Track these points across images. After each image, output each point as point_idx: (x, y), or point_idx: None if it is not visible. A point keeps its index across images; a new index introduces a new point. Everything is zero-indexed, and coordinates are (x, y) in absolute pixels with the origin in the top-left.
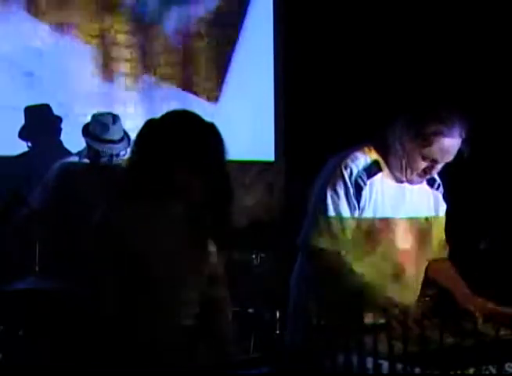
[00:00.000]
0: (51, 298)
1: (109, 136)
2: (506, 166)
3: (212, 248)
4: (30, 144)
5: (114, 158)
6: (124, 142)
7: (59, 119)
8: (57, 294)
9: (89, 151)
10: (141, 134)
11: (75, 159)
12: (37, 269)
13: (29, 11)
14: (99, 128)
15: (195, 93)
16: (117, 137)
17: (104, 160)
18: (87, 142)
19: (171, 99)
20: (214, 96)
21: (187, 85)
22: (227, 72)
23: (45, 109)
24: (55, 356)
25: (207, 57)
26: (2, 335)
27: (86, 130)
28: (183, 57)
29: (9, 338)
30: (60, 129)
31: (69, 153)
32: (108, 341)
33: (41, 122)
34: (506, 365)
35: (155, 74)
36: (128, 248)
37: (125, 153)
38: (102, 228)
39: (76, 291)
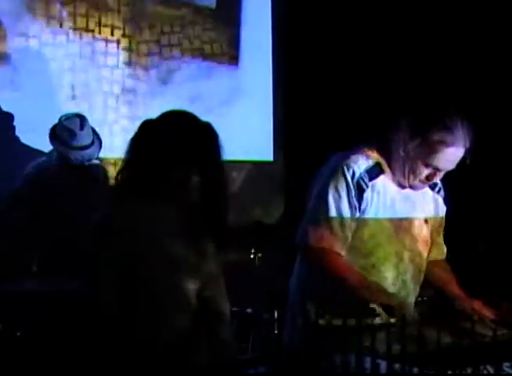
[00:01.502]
0: (49, 299)
1: (77, 143)
2: (506, 171)
3: (210, 248)
4: None
5: (86, 163)
6: (95, 146)
7: (10, 116)
8: (55, 295)
9: (59, 155)
10: (138, 134)
11: (47, 160)
12: (35, 269)
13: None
14: (66, 134)
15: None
16: (86, 142)
17: (75, 165)
18: (55, 147)
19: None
20: None
21: None
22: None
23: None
24: (53, 357)
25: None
26: (0, 336)
27: (53, 134)
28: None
29: (7, 339)
30: (14, 127)
31: (32, 152)
32: (107, 342)
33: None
34: (504, 365)
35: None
36: (126, 248)
37: (97, 156)
38: (101, 228)
39: (75, 291)
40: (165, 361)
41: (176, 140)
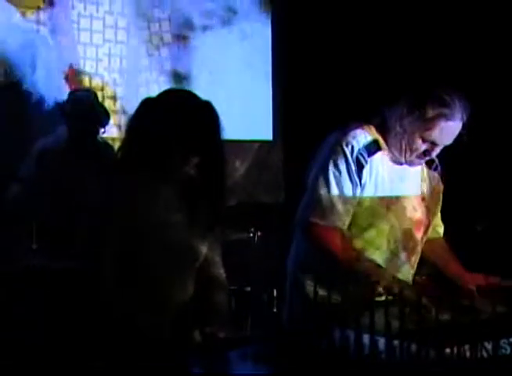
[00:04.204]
0: (48, 275)
1: (85, 113)
2: (504, 148)
3: (207, 222)
4: None
5: (93, 136)
6: (103, 119)
7: (29, 93)
8: (54, 272)
9: (68, 130)
10: (137, 112)
11: (56, 137)
12: (34, 247)
13: None
14: (74, 106)
15: None
16: (94, 115)
17: (83, 138)
18: (64, 121)
19: None
20: None
21: None
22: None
23: (13, 87)
24: (53, 334)
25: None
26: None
27: (63, 108)
28: None
29: (6, 316)
30: (31, 104)
31: (46, 130)
32: (106, 318)
33: (8, 101)
34: (502, 341)
35: None
36: (126, 224)
37: (105, 131)
38: (101, 204)
39: (74, 268)
40: (165, 331)
41: (175, 118)
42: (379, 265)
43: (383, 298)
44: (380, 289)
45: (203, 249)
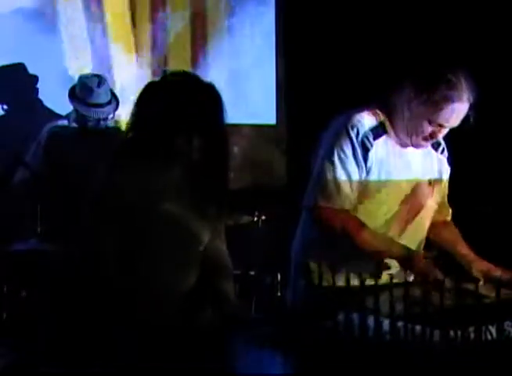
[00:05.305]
0: (53, 259)
1: (94, 100)
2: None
3: (211, 207)
4: (5, 107)
5: (102, 122)
6: (112, 106)
7: (35, 78)
8: (59, 256)
9: (77, 115)
10: (141, 96)
11: (64, 122)
12: (39, 230)
13: None
14: (83, 91)
15: None
16: (102, 100)
17: (92, 124)
18: (73, 106)
19: None
20: None
21: None
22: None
23: (18, 69)
24: (56, 316)
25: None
26: (5, 296)
27: (72, 93)
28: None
29: (12, 299)
30: (37, 89)
31: (53, 114)
32: (108, 302)
33: (15, 83)
34: (506, 324)
35: None
36: (128, 209)
37: (113, 117)
38: (104, 189)
39: (76, 252)
40: (169, 319)
41: (178, 102)
42: (392, 239)
43: (392, 271)
44: (392, 263)
45: (207, 234)
